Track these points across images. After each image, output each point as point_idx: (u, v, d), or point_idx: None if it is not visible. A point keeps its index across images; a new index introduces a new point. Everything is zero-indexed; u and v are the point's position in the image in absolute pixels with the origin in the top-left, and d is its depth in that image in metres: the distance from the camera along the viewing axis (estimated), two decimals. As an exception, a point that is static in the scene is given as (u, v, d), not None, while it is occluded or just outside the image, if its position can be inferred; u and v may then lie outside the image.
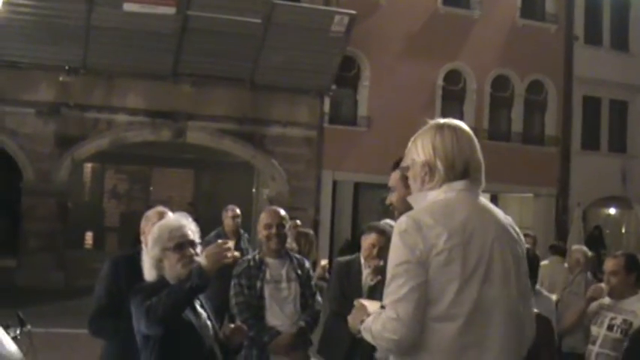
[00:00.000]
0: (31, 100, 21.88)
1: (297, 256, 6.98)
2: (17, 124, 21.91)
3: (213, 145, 23.77)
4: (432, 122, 3.67)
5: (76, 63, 21.89)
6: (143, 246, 5.70)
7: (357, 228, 23.43)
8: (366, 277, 7.15)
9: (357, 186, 25.75)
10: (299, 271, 6.60)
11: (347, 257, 7.79)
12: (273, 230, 6.52)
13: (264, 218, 6.62)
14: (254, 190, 26.86)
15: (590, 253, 10.91)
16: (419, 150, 3.59)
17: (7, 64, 21.50)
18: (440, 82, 26.53)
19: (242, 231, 12.31)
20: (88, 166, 26.98)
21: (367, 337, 3.39)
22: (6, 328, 5.78)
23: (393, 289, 3.28)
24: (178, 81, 22.75)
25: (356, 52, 25.17)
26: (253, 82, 23.22)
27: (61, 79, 21.97)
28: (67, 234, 22.70)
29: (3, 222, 25.74)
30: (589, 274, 10.40)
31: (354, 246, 13.64)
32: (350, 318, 3.63)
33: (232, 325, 5.05)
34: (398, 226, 3.39)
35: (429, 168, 3.53)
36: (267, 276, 6.42)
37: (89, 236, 27.09)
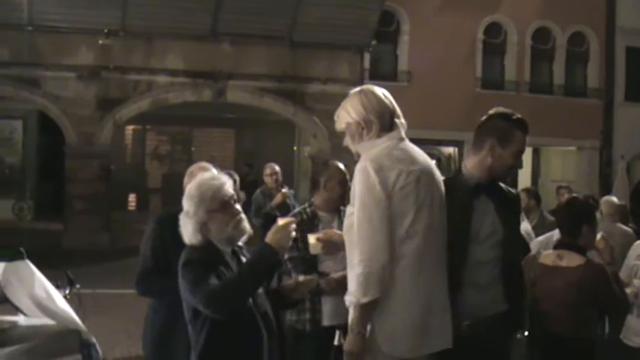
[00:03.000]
0: (72, 64, 21.96)
1: (344, 208, 6.90)
2: (58, 88, 22.05)
3: (253, 104, 23.74)
4: (351, 91, 4.57)
5: (115, 25, 21.91)
6: (185, 205, 5.71)
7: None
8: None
9: (399, 141, 25.65)
10: None
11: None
12: (348, 186, 6.49)
13: (337, 175, 6.51)
14: (295, 148, 26.90)
15: (617, 203, 10.70)
16: (350, 113, 4.43)
17: (46, 28, 21.59)
18: (480, 35, 26.28)
19: (287, 187, 12.43)
20: (130, 129, 27.13)
21: (355, 290, 4.14)
22: (56, 288, 5.82)
23: (365, 223, 4.13)
24: (218, 40, 22.68)
25: (395, 6, 25.00)
26: (292, 40, 23.12)
27: (100, 42, 21.99)
28: (111, 196, 22.91)
29: (48, 186, 26.05)
30: (618, 224, 10.18)
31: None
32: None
33: (301, 278, 4.85)
34: (362, 169, 4.22)
35: (365, 123, 4.38)
36: (320, 230, 6.32)
37: (132, 198, 27.34)
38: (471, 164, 4.79)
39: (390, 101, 4.46)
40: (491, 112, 4.90)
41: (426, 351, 4.23)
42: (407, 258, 4.14)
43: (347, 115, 4.46)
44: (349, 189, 6.71)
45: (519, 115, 4.82)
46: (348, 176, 6.54)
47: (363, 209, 4.16)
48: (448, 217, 4.52)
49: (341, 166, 6.66)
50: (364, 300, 4.08)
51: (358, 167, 4.28)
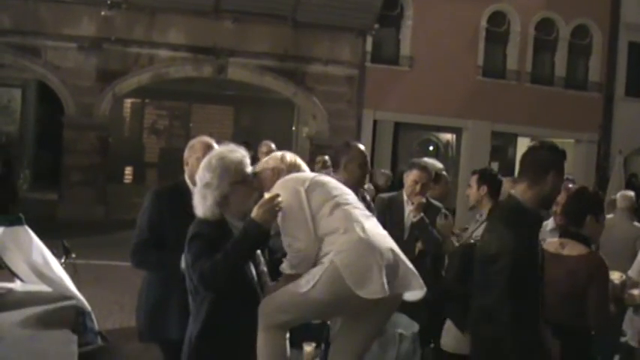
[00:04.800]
0: (73, 35, 21.94)
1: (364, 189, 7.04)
2: (59, 58, 22.00)
3: (254, 82, 23.72)
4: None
5: (118, -3, 21.89)
6: (186, 177, 5.69)
7: (397, 167, 23.45)
8: (409, 213, 7.12)
9: (398, 126, 25.67)
10: None
11: (389, 193, 7.76)
12: (367, 168, 6.66)
13: (359, 157, 6.49)
14: (294, 128, 26.88)
15: (633, 197, 10.59)
16: (269, 163, 4.84)
17: (50, -2, 21.56)
18: (484, 23, 26.19)
19: None
20: (128, 102, 27.04)
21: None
22: (52, 256, 5.82)
23: (295, 222, 4.41)
24: (220, 17, 22.62)
25: (399, -9, 25.01)
26: (295, 19, 23.03)
27: (103, 13, 21.95)
28: (108, 168, 22.90)
29: (45, 156, 26.01)
30: (631, 221, 10.13)
31: (393, 184, 13.71)
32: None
33: None
34: (277, 185, 4.57)
35: (277, 171, 4.75)
36: None
37: (129, 171, 27.29)
38: (529, 196, 4.82)
39: (301, 164, 4.95)
40: (536, 145, 5.09)
41: (395, 291, 4.35)
42: (344, 219, 4.37)
43: (265, 164, 4.87)
44: (368, 171, 6.80)
45: (560, 146, 5.02)
46: (368, 158, 6.60)
47: (290, 211, 4.42)
48: (520, 254, 4.64)
49: (362, 147, 6.65)
50: (290, 272, 4.45)
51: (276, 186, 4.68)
